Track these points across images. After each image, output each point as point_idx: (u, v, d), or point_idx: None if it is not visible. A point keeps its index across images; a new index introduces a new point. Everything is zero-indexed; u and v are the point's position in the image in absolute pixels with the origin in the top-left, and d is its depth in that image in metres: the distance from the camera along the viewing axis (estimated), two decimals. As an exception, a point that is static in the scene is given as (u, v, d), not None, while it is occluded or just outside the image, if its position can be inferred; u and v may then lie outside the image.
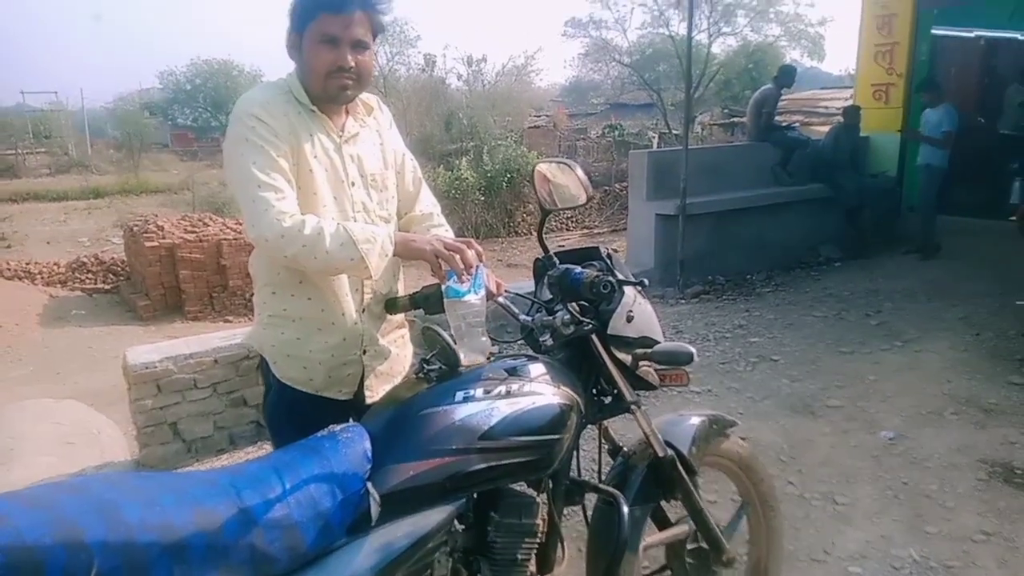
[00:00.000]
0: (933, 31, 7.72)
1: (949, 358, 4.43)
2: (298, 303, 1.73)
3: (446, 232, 1.90)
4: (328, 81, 1.65)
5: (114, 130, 32.63)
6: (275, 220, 1.52)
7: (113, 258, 13.17)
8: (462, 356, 1.50)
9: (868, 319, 5.33)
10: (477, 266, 1.55)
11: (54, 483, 1.20)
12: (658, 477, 1.81)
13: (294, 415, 1.75)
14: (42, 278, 12.36)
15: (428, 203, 1.99)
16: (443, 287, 1.55)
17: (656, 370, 1.81)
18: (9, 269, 12.60)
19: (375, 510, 1.31)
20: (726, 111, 22.02)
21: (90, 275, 12.69)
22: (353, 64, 1.64)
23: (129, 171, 25.43)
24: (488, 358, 1.58)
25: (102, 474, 2.85)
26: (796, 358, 4.58)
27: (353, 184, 1.74)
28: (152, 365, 3.62)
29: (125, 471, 3.22)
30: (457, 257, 1.53)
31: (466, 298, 1.51)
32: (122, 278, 12.43)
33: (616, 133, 21.62)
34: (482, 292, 1.54)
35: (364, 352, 1.79)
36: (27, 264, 12.95)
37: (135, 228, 11.85)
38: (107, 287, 12.29)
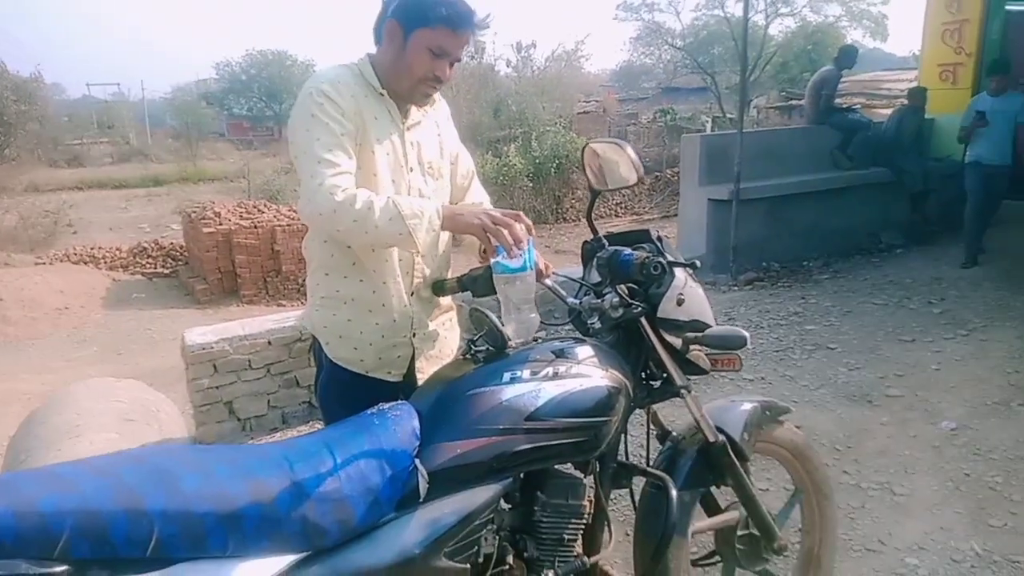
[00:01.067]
0: (1007, 7, 7.36)
1: (1016, 347, 4.26)
2: (350, 285, 1.75)
3: None
4: (419, 85, 1.69)
5: (173, 120, 33.59)
6: (328, 194, 1.52)
7: (172, 244, 13.56)
8: (509, 331, 1.49)
9: (931, 307, 5.15)
10: (526, 240, 1.52)
11: (117, 453, 1.25)
12: (708, 462, 1.78)
13: (346, 395, 1.77)
14: (105, 263, 12.80)
15: (479, 194, 2.02)
16: (492, 261, 1.53)
17: (707, 354, 1.78)
18: (75, 254, 13.08)
19: (423, 487, 1.32)
20: (783, 94, 21.44)
21: (150, 260, 13.09)
22: (447, 78, 1.70)
23: (187, 159, 26.12)
24: (535, 339, 1.57)
25: (161, 446, 2.94)
26: (854, 346, 4.45)
27: (411, 169, 1.76)
28: (209, 346, 3.72)
29: (184, 444, 3.32)
30: (505, 232, 1.49)
31: (515, 273, 1.49)
32: (181, 263, 12.79)
33: (668, 117, 21.27)
34: (531, 268, 1.51)
35: (414, 335, 1.81)
36: (91, 249, 13.42)
37: (193, 215, 12.16)
38: (166, 271, 12.67)
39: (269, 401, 3.91)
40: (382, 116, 1.72)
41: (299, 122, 1.63)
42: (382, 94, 1.72)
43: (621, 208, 16.06)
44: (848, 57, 7.57)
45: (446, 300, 1.91)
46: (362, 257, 1.73)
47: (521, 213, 1.56)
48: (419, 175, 1.78)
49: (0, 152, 13.93)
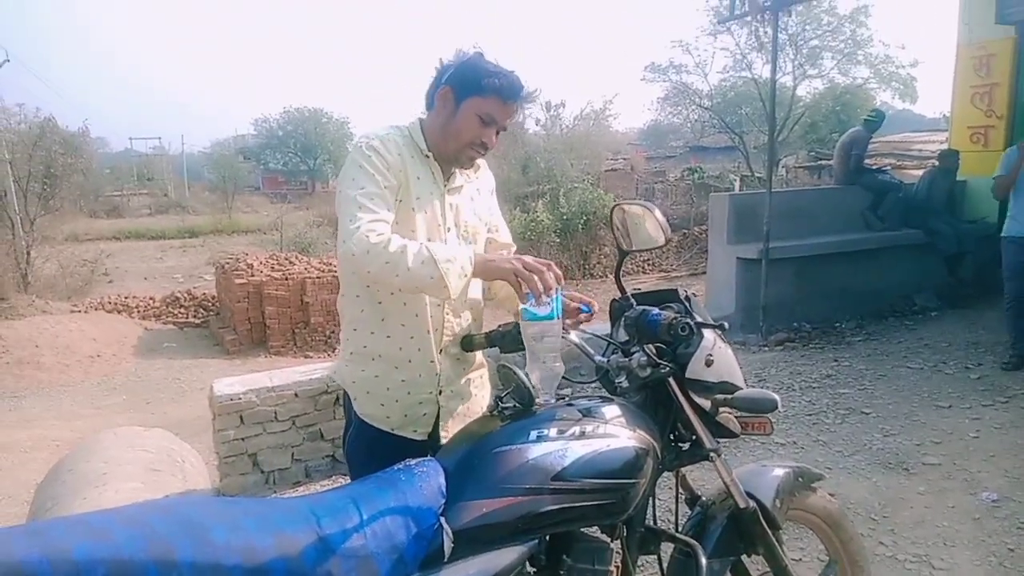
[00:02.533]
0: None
1: (1059, 416, 4.11)
2: (377, 341, 1.77)
3: None
4: (466, 150, 1.76)
5: (210, 173, 34.59)
6: (364, 236, 1.55)
7: (204, 294, 13.81)
8: (534, 379, 1.49)
9: (968, 372, 5.02)
10: (556, 288, 1.53)
11: (146, 503, 1.25)
12: (739, 529, 1.74)
13: (374, 452, 1.77)
14: (139, 312, 13.06)
15: (508, 238, 2.05)
16: (520, 307, 1.54)
17: (737, 417, 1.75)
18: (110, 302, 13.37)
19: (448, 546, 1.30)
20: (812, 154, 21.46)
21: (182, 309, 13.32)
22: (493, 145, 1.77)
23: (222, 212, 26.79)
24: (561, 396, 1.56)
25: (188, 497, 2.94)
26: (889, 411, 4.34)
27: (448, 230, 1.80)
28: (237, 397, 3.74)
29: (209, 495, 3.32)
30: (536, 278, 1.51)
31: (542, 321, 1.50)
32: (212, 313, 13.00)
33: (696, 176, 21.41)
34: (559, 316, 1.52)
35: (440, 392, 1.80)
36: (126, 298, 13.71)
37: (226, 266, 12.41)
38: (197, 321, 12.87)
39: (293, 454, 3.90)
40: (425, 177, 1.77)
41: (347, 172, 1.70)
42: (427, 156, 1.77)
43: (648, 265, 16.05)
44: (877, 119, 7.60)
45: (477, 357, 1.91)
46: (391, 313, 1.74)
47: (552, 263, 1.57)
48: (455, 236, 1.82)
49: (45, 203, 14.41)
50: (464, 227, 1.84)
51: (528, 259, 1.56)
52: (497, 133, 1.77)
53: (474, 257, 1.60)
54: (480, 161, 1.91)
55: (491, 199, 1.98)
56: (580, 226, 15.24)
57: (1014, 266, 5.26)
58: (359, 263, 1.57)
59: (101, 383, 9.49)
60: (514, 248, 2.04)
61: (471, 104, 1.71)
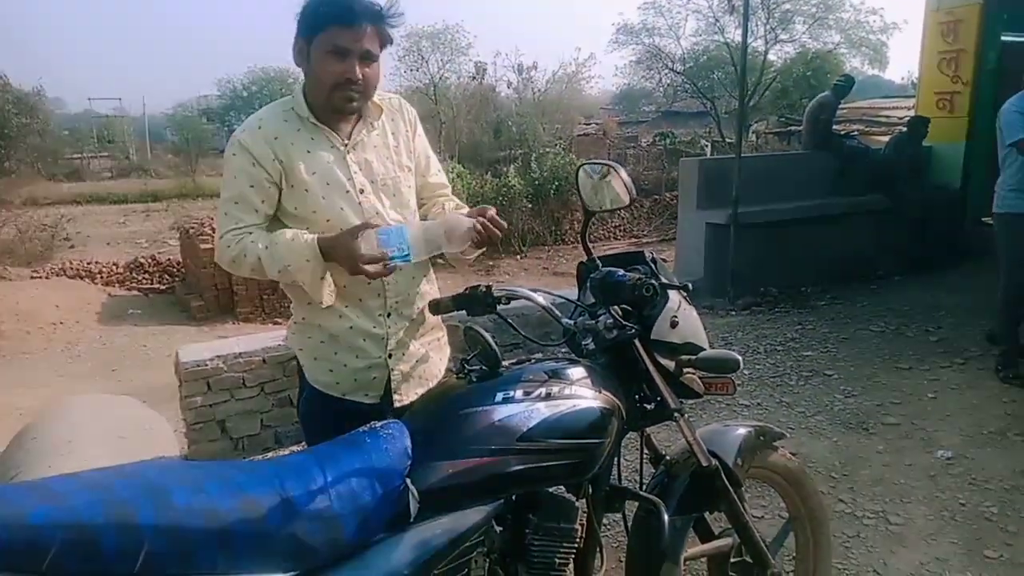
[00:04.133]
0: (1003, 37, 7.43)
1: (1013, 377, 4.23)
2: (317, 309, 1.72)
3: (456, 207, 1.90)
4: (334, 93, 1.65)
5: (173, 135, 33.71)
6: (224, 248, 1.66)
7: (169, 259, 13.54)
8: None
9: (928, 335, 5.14)
10: (393, 247, 1.60)
11: (109, 468, 1.24)
12: (701, 487, 1.77)
13: (324, 417, 1.77)
14: (102, 278, 12.78)
15: (442, 177, 2.00)
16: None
17: (701, 377, 1.77)
18: (72, 268, 13.07)
19: (414, 507, 1.31)
20: (782, 119, 21.55)
21: (147, 275, 13.07)
22: (361, 77, 1.63)
23: (186, 175, 26.18)
24: (530, 359, 1.57)
25: (153, 461, 2.92)
26: (851, 373, 4.44)
27: (362, 191, 1.73)
28: (203, 363, 3.70)
29: (174, 459, 3.30)
30: (372, 268, 1.58)
31: (408, 261, 1.63)
32: (177, 279, 12.77)
33: (667, 141, 21.38)
34: (412, 253, 1.62)
35: (390, 356, 1.79)
36: (88, 264, 13.41)
37: (191, 231, 12.16)
38: (162, 287, 12.64)
39: (262, 420, 3.88)
40: (316, 148, 1.70)
41: (223, 173, 1.73)
42: (315, 124, 1.70)
43: (620, 231, 16.09)
44: (846, 85, 7.65)
45: (433, 320, 1.89)
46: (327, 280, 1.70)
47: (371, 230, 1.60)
48: (372, 195, 1.74)
49: (0, 165, 13.96)
50: (381, 182, 1.76)
51: (368, 255, 1.57)
52: (367, 64, 1.64)
53: (316, 248, 1.60)
54: (392, 100, 1.83)
55: (413, 139, 1.87)
56: (552, 191, 15.17)
57: (1009, 249, 4.23)
58: (233, 271, 1.70)
59: (65, 350, 9.31)
60: (448, 189, 2.00)
61: (317, 43, 1.62)
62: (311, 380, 1.80)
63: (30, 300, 10.31)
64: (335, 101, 1.66)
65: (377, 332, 1.76)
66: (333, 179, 1.70)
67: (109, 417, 3.45)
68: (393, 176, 1.79)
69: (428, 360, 1.88)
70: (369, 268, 1.56)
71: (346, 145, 1.73)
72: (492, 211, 1.70)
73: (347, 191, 1.71)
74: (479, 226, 1.66)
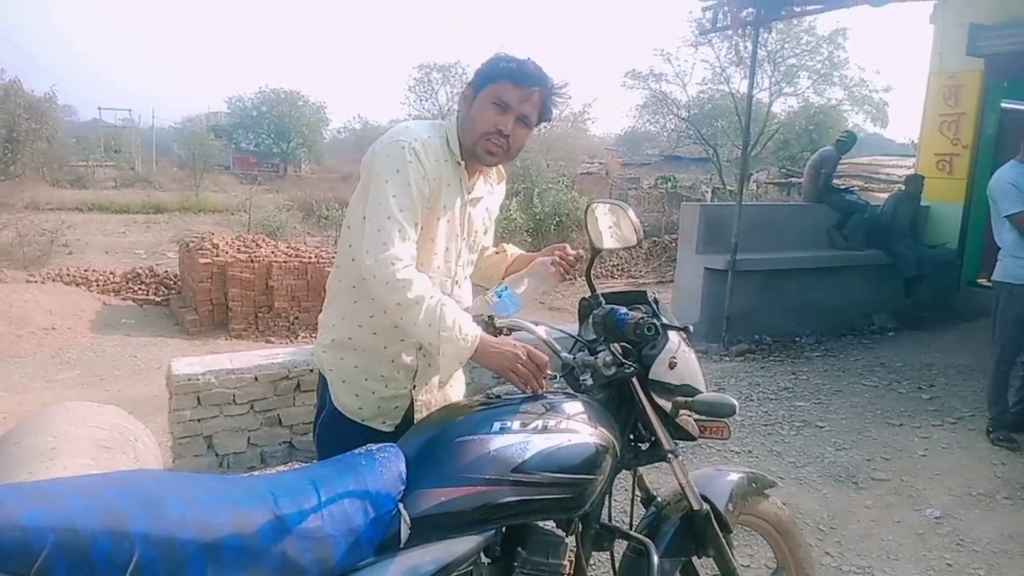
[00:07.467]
0: (1002, 104, 7.57)
1: (1004, 439, 4.23)
2: (364, 335, 1.76)
3: (510, 253, 2.09)
4: (482, 140, 1.71)
5: (180, 149, 33.91)
6: (390, 263, 1.55)
7: (167, 272, 13.54)
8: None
9: (920, 393, 5.14)
10: (506, 295, 1.80)
11: (103, 474, 1.23)
12: (691, 531, 1.76)
13: (342, 439, 1.75)
14: (98, 286, 12.75)
15: (490, 240, 2.09)
16: (491, 298, 1.80)
17: (696, 420, 1.77)
18: (68, 275, 13.05)
19: (405, 532, 1.30)
20: (783, 170, 21.79)
21: (143, 286, 13.05)
22: (510, 133, 1.71)
23: (190, 189, 26.30)
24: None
25: (148, 470, 2.88)
26: (842, 426, 4.43)
27: (463, 239, 1.82)
28: (195, 377, 3.68)
29: (168, 470, 3.27)
30: (524, 382, 1.57)
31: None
32: (173, 292, 12.75)
33: (669, 184, 21.60)
34: (519, 307, 1.81)
35: (415, 387, 1.81)
36: (85, 271, 13.39)
37: (191, 244, 12.18)
38: (157, 299, 12.61)
39: (249, 438, 3.85)
40: (454, 184, 1.76)
41: (383, 170, 1.64)
42: (459, 163, 1.76)
43: (618, 270, 16.16)
44: (848, 141, 7.77)
45: None
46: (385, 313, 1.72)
47: (546, 359, 1.59)
48: (466, 245, 1.84)
49: (6, 168, 14.00)
50: (474, 237, 1.87)
51: (525, 356, 1.57)
52: (521, 125, 1.73)
53: (478, 341, 1.58)
54: (504, 172, 1.95)
55: (496, 208, 2.00)
56: (552, 227, 15.29)
57: (1007, 319, 4.15)
58: (372, 285, 1.59)
59: (54, 356, 9.26)
60: (502, 250, 2.10)
61: (485, 93, 1.71)
62: (334, 401, 1.80)
63: (24, 304, 10.27)
64: (479, 148, 1.73)
65: (411, 364, 1.79)
66: (452, 219, 1.77)
67: (94, 426, 3.41)
68: (480, 237, 1.92)
69: (447, 389, 1.90)
70: (525, 371, 1.58)
71: (468, 194, 1.81)
72: (565, 247, 1.93)
73: (456, 234, 1.79)
74: (562, 267, 1.91)
